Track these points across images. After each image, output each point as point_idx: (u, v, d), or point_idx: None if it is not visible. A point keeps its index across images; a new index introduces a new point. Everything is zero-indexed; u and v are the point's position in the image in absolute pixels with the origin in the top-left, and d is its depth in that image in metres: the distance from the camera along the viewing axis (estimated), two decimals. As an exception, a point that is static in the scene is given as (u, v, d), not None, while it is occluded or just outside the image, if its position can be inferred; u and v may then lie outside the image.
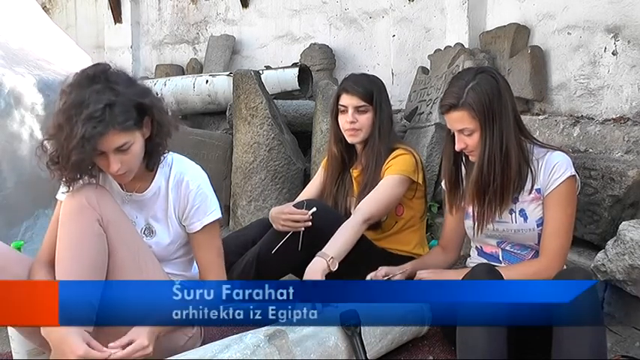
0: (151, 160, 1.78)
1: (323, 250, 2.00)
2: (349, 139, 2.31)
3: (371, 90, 2.29)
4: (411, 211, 2.31)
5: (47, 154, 1.67)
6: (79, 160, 1.60)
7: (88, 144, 1.58)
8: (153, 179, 1.83)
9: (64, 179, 1.68)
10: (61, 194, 1.77)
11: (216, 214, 1.85)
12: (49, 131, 1.67)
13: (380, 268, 2.04)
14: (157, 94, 1.81)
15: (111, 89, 1.62)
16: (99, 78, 1.63)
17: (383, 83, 2.37)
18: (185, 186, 1.82)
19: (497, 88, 1.86)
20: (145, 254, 1.77)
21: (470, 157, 1.94)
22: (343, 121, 2.30)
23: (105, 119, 1.58)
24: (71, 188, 1.70)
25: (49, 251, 1.75)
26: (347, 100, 2.29)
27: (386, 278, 2.00)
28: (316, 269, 1.95)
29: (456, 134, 1.90)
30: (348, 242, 2.06)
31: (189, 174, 1.85)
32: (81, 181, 1.70)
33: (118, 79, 1.66)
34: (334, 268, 1.97)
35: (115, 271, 1.69)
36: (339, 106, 2.31)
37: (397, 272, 2.02)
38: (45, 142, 1.68)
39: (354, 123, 2.27)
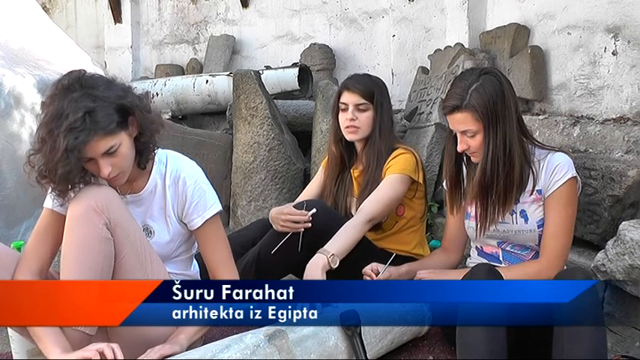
0: (142, 158, 1.77)
1: (324, 247, 2.00)
2: (348, 137, 2.31)
3: (372, 89, 2.31)
4: (411, 211, 2.31)
5: (35, 169, 1.65)
6: (66, 172, 1.59)
7: (72, 155, 1.57)
8: (148, 178, 1.83)
9: (55, 192, 1.66)
10: (49, 202, 1.75)
11: (216, 207, 1.85)
12: (34, 146, 1.66)
13: (371, 264, 2.04)
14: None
15: (88, 95, 1.60)
16: (74, 86, 1.61)
17: (384, 84, 2.39)
18: (182, 183, 1.82)
19: (500, 89, 1.85)
20: (150, 254, 1.76)
21: (472, 159, 1.93)
22: (343, 118, 2.30)
23: (86, 127, 1.57)
24: (64, 200, 1.68)
25: (36, 259, 1.73)
26: (348, 98, 2.30)
27: (376, 276, 1.99)
28: (317, 265, 1.95)
29: (458, 135, 1.89)
30: (350, 241, 2.06)
31: (186, 170, 1.84)
32: (72, 194, 1.67)
33: (94, 83, 1.63)
34: (335, 265, 1.97)
35: (120, 273, 1.68)
36: (340, 104, 2.32)
37: (384, 269, 2.01)
38: (31, 157, 1.65)
39: (354, 120, 2.28)
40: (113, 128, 1.63)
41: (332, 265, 1.97)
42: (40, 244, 1.75)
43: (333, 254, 1.97)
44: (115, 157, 1.66)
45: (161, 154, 1.85)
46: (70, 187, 1.66)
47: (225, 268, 1.85)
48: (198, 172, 1.87)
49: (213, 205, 1.84)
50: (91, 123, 1.58)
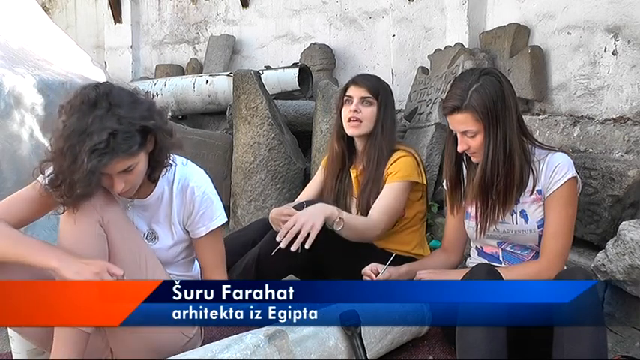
0: (154, 173, 1.76)
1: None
2: (349, 131, 2.31)
3: (378, 87, 2.33)
4: (412, 211, 2.31)
5: (45, 177, 1.63)
6: (85, 193, 1.59)
7: (93, 177, 1.56)
8: (155, 184, 1.82)
9: (63, 203, 1.64)
10: (42, 178, 1.69)
11: (222, 219, 1.85)
12: (47, 155, 1.63)
13: (371, 264, 2.04)
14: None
15: (113, 114, 1.57)
16: (101, 102, 1.58)
17: (391, 88, 2.41)
18: (190, 192, 1.81)
19: (501, 90, 1.85)
20: (147, 254, 1.76)
21: (472, 159, 1.93)
22: (347, 111, 2.31)
23: (109, 150, 1.55)
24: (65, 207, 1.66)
25: (8, 216, 1.67)
26: (353, 91, 2.32)
27: (376, 276, 1.99)
28: (323, 210, 2.01)
29: (458, 136, 1.89)
30: (360, 223, 2.12)
31: (194, 179, 1.83)
32: None
33: (121, 101, 1.60)
34: (339, 227, 2.03)
35: None
36: (345, 97, 2.33)
37: (384, 269, 2.02)
38: (43, 164, 1.64)
39: (357, 113, 2.28)
40: (135, 150, 1.62)
41: (335, 226, 2.02)
42: (18, 206, 1.71)
43: (342, 218, 2.02)
44: (130, 175, 1.65)
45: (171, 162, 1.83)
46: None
47: (216, 277, 1.85)
48: (207, 181, 1.86)
49: (219, 216, 1.84)
50: (115, 144, 1.56)
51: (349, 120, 2.30)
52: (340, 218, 2.02)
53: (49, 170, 1.64)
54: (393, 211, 2.21)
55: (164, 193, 1.83)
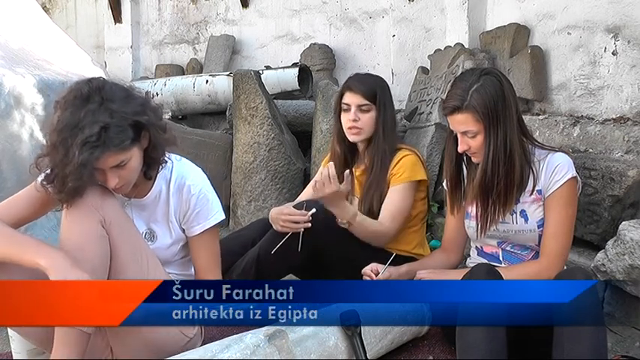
0: (149, 170, 1.77)
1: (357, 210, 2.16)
2: (351, 138, 2.31)
3: (374, 89, 2.30)
4: (414, 211, 2.31)
5: (41, 172, 1.65)
6: (77, 186, 1.59)
7: (84, 169, 1.56)
8: (153, 183, 1.82)
9: (59, 199, 1.65)
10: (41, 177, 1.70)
11: (218, 217, 1.85)
12: (42, 149, 1.64)
13: (371, 264, 2.04)
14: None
15: (106, 109, 1.58)
16: (93, 97, 1.59)
17: (387, 83, 2.38)
18: (187, 190, 1.81)
19: (501, 90, 1.85)
20: (147, 254, 1.76)
21: (473, 159, 1.93)
22: (345, 119, 2.30)
23: (100, 143, 1.56)
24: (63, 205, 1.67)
25: (6, 218, 1.68)
26: (350, 99, 2.29)
27: (376, 276, 1.99)
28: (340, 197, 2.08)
29: (459, 136, 1.89)
30: (372, 229, 2.15)
31: (191, 178, 1.84)
32: None
33: (113, 96, 1.61)
34: (343, 225, 2.12)
35: (117, 272, 1.68)
36: (343, 105, 2.32)
37: (384, 269, 2.01)
38: (39, 159, 1.65)
39: (357, 121, 2.27)
40: (126, 145, 1.62)
41: (341, 224, 2.12)
42: (18, 206, 1.72)
43: (351, 223, 2.11)
44: (124, 170, 1.66)
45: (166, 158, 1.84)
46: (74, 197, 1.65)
47: (210, 277, 1.85)
48: (204, 179, 1.86)
49: (215, 214, 1.84)
50: (106, 138, 1.57)
51: (349, 128, 2.29)
52: (349, 222, 2.11)
53: (47, 167, 1.64)
54: (404, 214, 2.22)
55: (161, 191, 1.83)
